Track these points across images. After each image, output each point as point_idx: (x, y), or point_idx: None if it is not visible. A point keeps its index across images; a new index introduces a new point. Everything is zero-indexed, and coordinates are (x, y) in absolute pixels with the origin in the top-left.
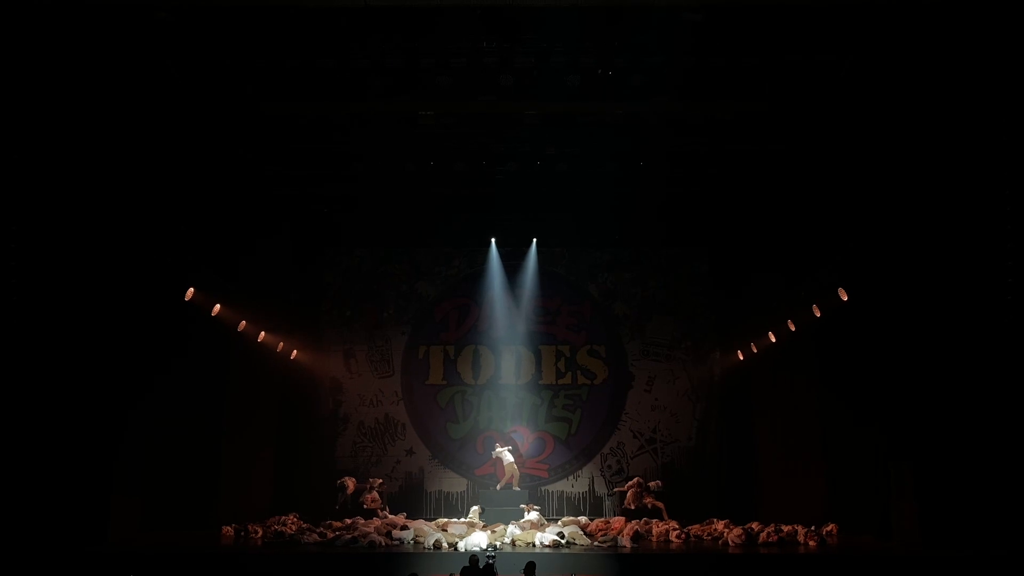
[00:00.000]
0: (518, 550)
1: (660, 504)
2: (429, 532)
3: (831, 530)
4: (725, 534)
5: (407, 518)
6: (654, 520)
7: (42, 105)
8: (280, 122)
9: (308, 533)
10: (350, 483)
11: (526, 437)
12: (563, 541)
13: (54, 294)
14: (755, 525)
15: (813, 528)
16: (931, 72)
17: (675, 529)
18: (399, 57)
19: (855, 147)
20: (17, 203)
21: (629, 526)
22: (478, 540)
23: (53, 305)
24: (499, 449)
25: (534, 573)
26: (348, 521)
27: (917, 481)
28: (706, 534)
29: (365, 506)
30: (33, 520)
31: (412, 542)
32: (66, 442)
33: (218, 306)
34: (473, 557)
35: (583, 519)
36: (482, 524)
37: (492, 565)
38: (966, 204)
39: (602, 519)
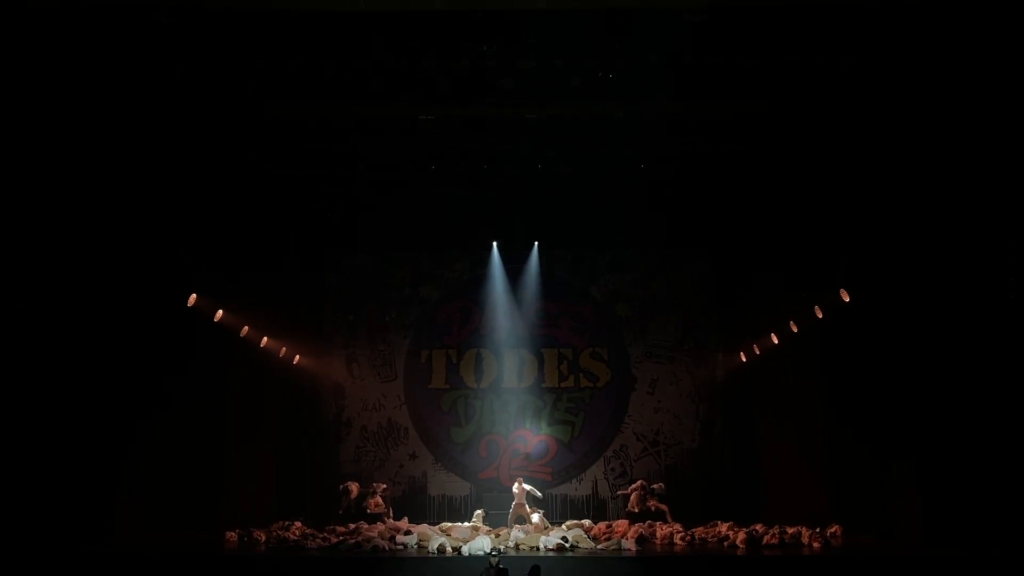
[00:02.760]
0: (522, 554)
1: (664, 506)
2: (433, 536)
3: (835, 531)
4: (729, 536)
5: (410, 522)
6: (658, 523)
7: (44, 110)
8: (282, 125)
9: (312, 538)
10: (353, 488)
11: (529, 438)
12: (567, 544)
13: (59, 299)
14: (759, 527)
15: (817, 529)
16: (932, 71)
17: (679, 531)
18: (401, 60)
19: (856, 147)
20: (24, 208)
21: (633, 529)
22: (482, 544)
23: (58, 310)
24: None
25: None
26: (352, 526)
27: (920, 481)
28: (710, 536)
29: (369, 511)
30: (39, 521)
31: (416, 546)
32: (72, 445)
33: (220, 311)
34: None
35: (587, 522)
36: (486, 528)
37: (505, 569)
38: (967, 203)
39: (606, 522)
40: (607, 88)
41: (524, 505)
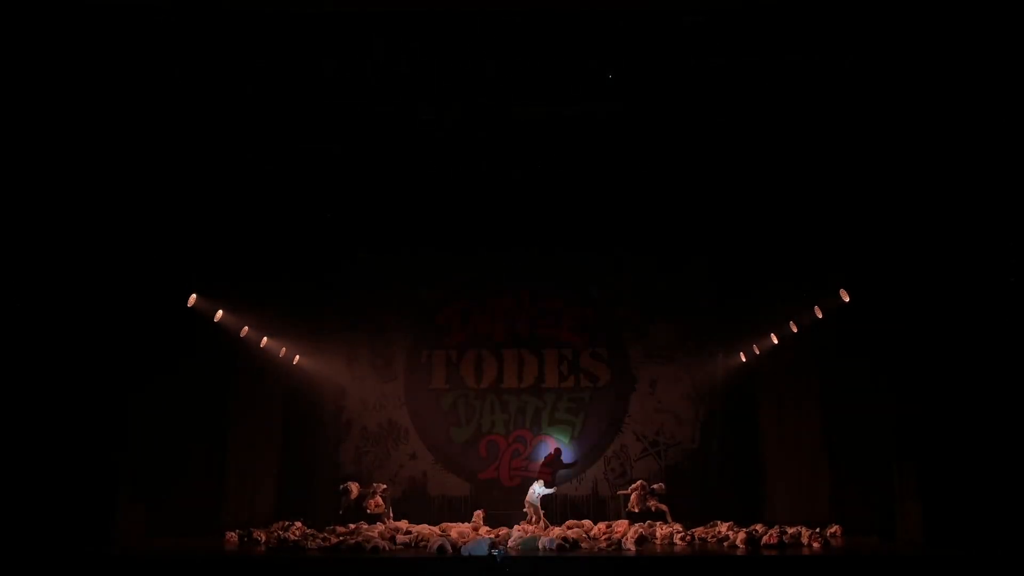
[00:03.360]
0: (522, 554)
1: (664, 507)
2: (433, 536)
3: (835, 531)
4: (729, 536)
5: (410, 523)
6: (658, 523)
7: (40, 107)
8: (282, 123)
9: (312, 538)
10: (353, 488)
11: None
12: (567, 545)
13: (58, 299)
14: (759, 527)
15: (818, 530)
16: (933, 69)
17: (679, 532)
18: (401, 60)
19: (857, 146)
20: (22, 206)
21: (633, 529)
22: (482, 544)
23: (57, 310)
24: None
25: None
26: (352, 526)
27: (921, 482)
28: (710, 536)
29: (369, 511)
30: (39, 526)
31: (416, 547)
32: (71, 448)
33: (220, 312)
34: None
35: (587, 522)
36: (486, 528)
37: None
38: (969, 203)
39: (606, 522)
40: (607, 87)
41: (536, 506)
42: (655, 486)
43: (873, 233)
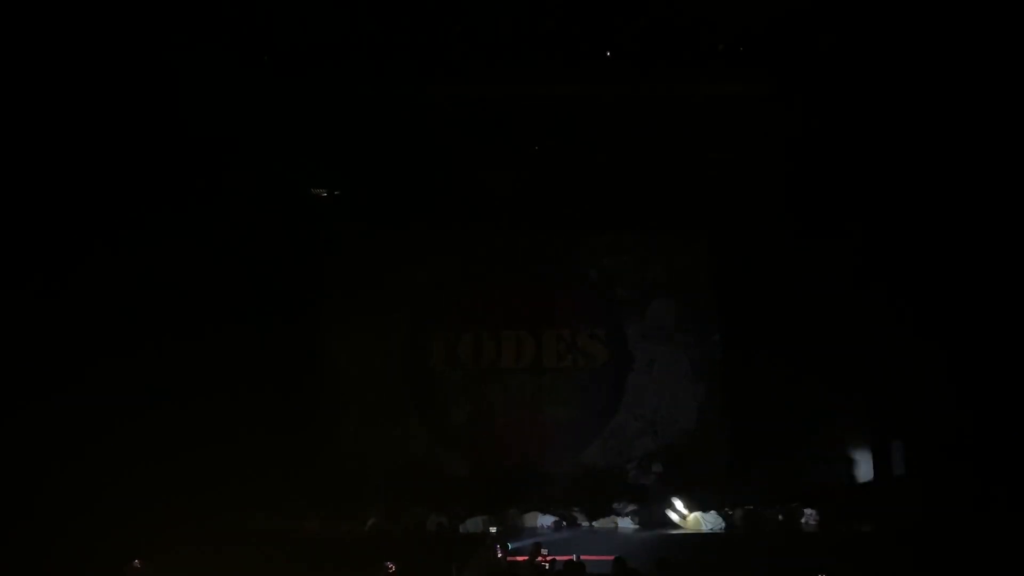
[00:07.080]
0: (520, 532)
1: (662, 485)
2: (431, 516)
3: (832, 510)
4: (727, 514)
5: (410, 503)
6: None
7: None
8: (278, 99)
9: (311, 519)
10: None
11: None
12: (564, 523)
13: (54, 291)
14: (757, 506)
15: (815, 508)
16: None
17: (677, 510)
18: (399, 39)
19: (856, 131)
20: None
21: (631, 508)
22: (479, 523)
23: (54, 304)
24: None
25: (539, 554)
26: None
27: (919, 461)
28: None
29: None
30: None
31: (415, 526)
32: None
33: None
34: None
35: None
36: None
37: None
38: (966, 194)
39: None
40: (604, 70)
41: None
42: (652, 464)
43: (870, 219)
